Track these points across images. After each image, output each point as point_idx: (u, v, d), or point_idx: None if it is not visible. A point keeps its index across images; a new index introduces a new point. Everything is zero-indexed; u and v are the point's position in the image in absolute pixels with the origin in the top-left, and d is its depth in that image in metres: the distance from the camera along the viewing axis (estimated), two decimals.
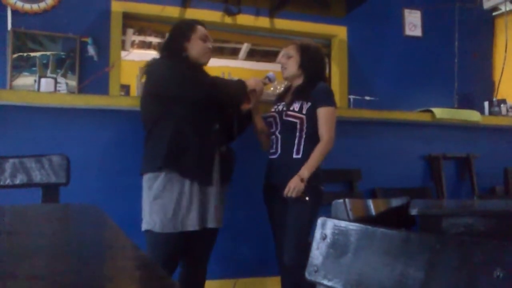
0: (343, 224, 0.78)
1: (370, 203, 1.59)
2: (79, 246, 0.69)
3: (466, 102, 4.39)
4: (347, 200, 1.43)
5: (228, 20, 4.34)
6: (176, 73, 2.14)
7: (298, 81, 2.41)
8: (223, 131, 2.27)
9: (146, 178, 2.12)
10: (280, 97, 2.52)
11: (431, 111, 3.21)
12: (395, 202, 1.70)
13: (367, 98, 4.33)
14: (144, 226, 2.10)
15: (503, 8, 5.00)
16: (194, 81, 2.16)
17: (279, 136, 2.36)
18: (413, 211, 1.42)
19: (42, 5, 3.83)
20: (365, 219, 1.46)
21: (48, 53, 3.79)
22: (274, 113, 2.40)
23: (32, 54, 3.76)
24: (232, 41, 6.22)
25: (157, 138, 2.11)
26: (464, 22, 4.72)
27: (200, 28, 2.27)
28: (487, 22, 5.26)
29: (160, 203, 2.06)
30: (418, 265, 0.65)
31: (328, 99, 2.34)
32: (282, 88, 2.66)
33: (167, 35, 2.43)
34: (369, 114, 3.11)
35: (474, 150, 3.35)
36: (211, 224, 2.14)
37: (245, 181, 2.55)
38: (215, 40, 6.01)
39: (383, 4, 4.75)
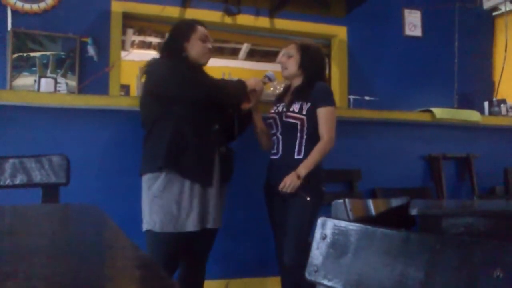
0: (343, 224, 0.78)
1: (370, 203, 1.59)
2: (79, 246, 0.69)
3: (466, 102, 4.39)
4: (347, 200, 1.43)
5: (228, 20, 4.34)
6: (176, 73, 2.14)
7: (298, 81, 2.41)
8: (223, 131, 2.27)
9: (146, 178, 2.12)
10: (280, 98, 2.51)
11: (431, 111, 3.21)
12: (395, 202, 1.70)
13: (367, 98, 4.33)
14: (145, 226, 2.10)
15: (503, 8, 5.00)
16: (194, 81, 2.16)
17: (280, 137, 2.36)
18: (413, 211, 1.42)
19: (42, 5, 3.83)
20: (365, 219, 1.46)
21: (48, 53, 3.79)
22: (274, 114, 2.39)
23: (32, 54, 3.76)
24: (232, 41, 6.22)
25: (157, 138, 2.11)
26: (464, 22, 4.72)
27: (200, 29, 2.26)
28: (487, 22, 5.26)
29: (160, 203, 2.06)
30: (418, 265, 0.65)
31: (327, 98, 2.34)
32: (282, 88, 2.66)
33: (167, 35, 2.43)
34: (369, 114, 3.11)
35: (474, 150, 3.35)
36: (211, 224, 2.14)
37: (245, 181, 2.55)
38: (215, 40, 6.00)
39: (383, 4, 4.75)
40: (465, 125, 3.36)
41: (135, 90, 4.54)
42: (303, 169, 2.22)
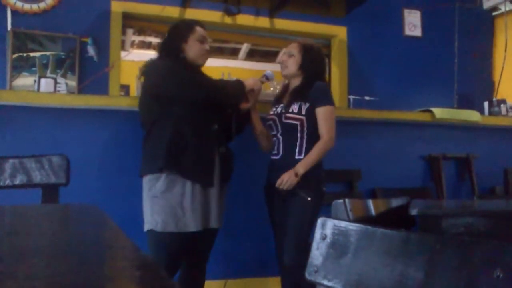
0: (343, 224, 0.78)
1: (370, 203, 1.59)
2: (79, 246, 0.69)
3: (466, 102, 4.39)
4: (347, 200, 1.43)
5: (228, 20, 4.34)
6: (174, 73, 2.14)
7: (297, 81, 2.40)
8: (222, 131, 2.27)
9: (147, 179, 2.11)
10: (278, 99, 2.51)
11: (431, 111, 3.21)
12: (395, 202, 1.70)
13: (367, 98, 4.33)
14: (146, 227, 2.10)
15: (502, 8, 5.00)
16: (193, 81, 2.16)
17: (280, 138, 2.35)
18: (413, 211, 1.42)
19: (42, 5, 3.83)
20: (365, 219, 1.46)
21: (48, 53, 3.79)
22: (273, 116, 2.39)
23: (32, 54, 3.76)
24: (232, 41, 6.21)
25: (156, 138, 2.11)
26: (464, 22, 4.72)
27: (198, 29, 2.26)
28: (487, 22, 5.26)
29: (161, 203, 2.05)
30: (418, 265, 0.65)
31: (326, 98, 2.33)
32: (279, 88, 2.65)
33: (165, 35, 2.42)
34: (369, 114, 3.11)
35: (474, 150, 3.35)
36: (213, 224, 2.14)
37: (245, 181, 2.55)
38: (215, 40, 6.01)
39: (383, 4, 4.75)
40: (465, 125, 3.36)
41: (135, 90, 4.55)
42: (301, 168, 2.22)
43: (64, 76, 3.79)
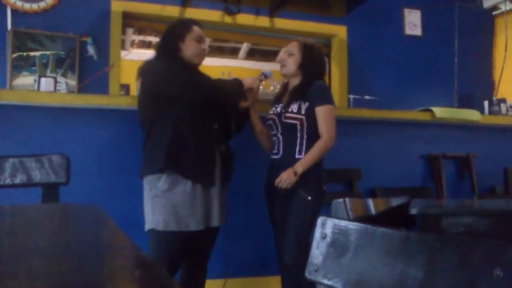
0: (343, 223, 0.78)
1: (370, 202, 1.59)
2: (79, 246, 0.69)
3: (466, 102, 4.38)
4: (347, 199, 1.43)
5: (228, 19, 4.34)
6: (173, 73, 2.14)
7: (296, 81, 2.40)
8: (222, 130, 2.27)
9: (148, 180, 2.11)
10: (278, 98, 2.50)
11: (431, 111, 3.21)
12: (395, 202, 1.70)
13: (367, 97, 4.33)
14: (147, 226, 2.10)
15: (503, 8, 4.99)
16: (191, 81, 2.15)
17: (280, 137, 2.35)
18: (413, 211, 1.42)
19: (42, 4, 3.83)
20: (365, 218, 1.46)
21: (48, 52, 3.79)
22: (273, 116, 2.39)
23: (32, 53, 3.75)
24: (232, 41, 6.21)
25: (156, 139, 2.11)
26: (464, 22, 4.71)
27: (196, 29, 2.25)
28: (487, 21, 5.26)
29: (162, 202, 2.05)
30: (418, 264, 0.65)
31: (325, 97, 2.33)
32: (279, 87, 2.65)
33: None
34: (369, 113, 3.11)
35: (474, 150, 3.35)
36: (215, 223, 2.14)
37: (245, 180, 2.55)
38: (215, 40, 6.00)
39: (383, 4, 4.75)
40: (465, 125, 3.36)
41: (135, 89, 4.53)
42: (300, 166, 2.22)
43: (64, 75, 3.79)
